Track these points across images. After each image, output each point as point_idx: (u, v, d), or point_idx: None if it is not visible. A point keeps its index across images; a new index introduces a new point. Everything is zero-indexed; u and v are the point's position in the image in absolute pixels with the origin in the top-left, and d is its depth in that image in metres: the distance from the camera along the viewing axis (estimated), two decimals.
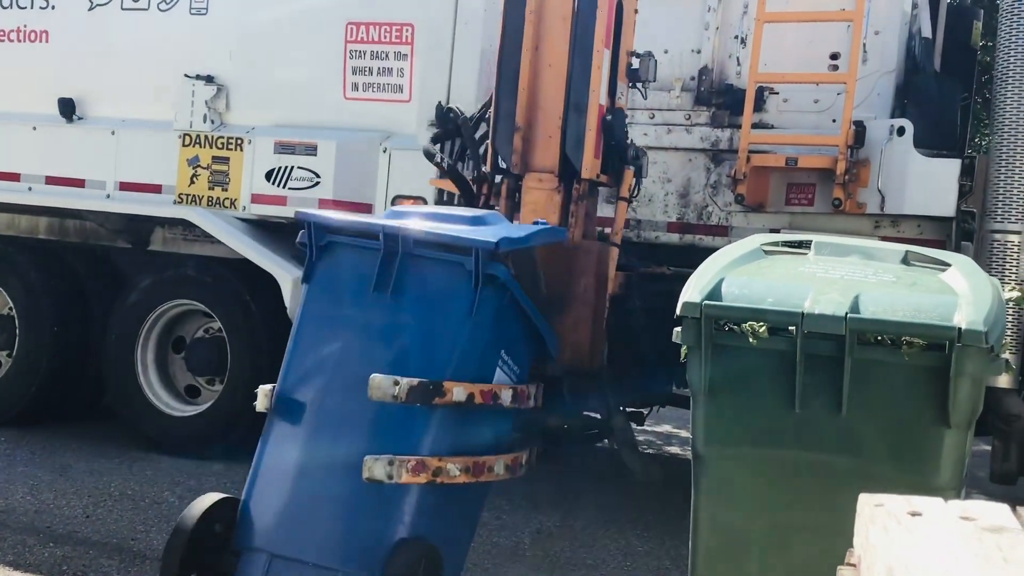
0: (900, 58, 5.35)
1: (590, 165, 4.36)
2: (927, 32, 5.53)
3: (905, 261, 3.89)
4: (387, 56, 5.82)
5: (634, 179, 4.58)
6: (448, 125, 4.97)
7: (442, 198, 5.20)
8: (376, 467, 3.22)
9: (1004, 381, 4.74)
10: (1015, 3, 5.03)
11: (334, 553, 3.35)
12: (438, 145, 4.98)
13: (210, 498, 3.51)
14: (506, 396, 3.56)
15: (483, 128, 4.84)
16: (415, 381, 3.26)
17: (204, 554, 3.40)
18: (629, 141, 4.59)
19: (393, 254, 3.47)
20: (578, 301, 4.20)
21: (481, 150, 4.75)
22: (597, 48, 4.32)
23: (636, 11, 4.68)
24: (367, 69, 5.86)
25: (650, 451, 7.33)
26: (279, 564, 3.37)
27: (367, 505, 3.36)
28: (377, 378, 3.25)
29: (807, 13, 5.32)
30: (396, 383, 3.24)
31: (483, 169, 4.58)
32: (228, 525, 3.46)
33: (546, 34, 4.35)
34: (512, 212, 4.40)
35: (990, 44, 5.54)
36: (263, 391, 3.56)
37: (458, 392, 3.36)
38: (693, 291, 3.56)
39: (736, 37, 5.52)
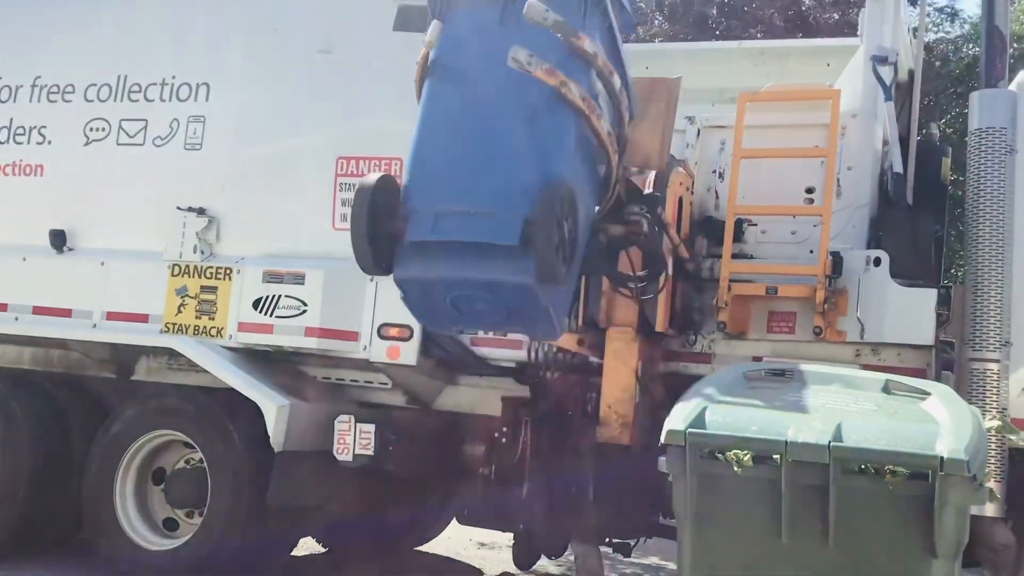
0: (873, 192, 5.53)
1: (662, 321, 5.17)
2: (898, 168, 5.72)
3: (886, 390, 3.94)
4: None
5: None
6: None
7: None
8: (520, 53, 3.77)
9: (990, 510, 4.72)
10: (981, 142, 5.23)
11: (492, 199, 3.82)
12: None
13: (375, 175, 4.15)
14: (616, 81, 4.20)
15: None
16: (560, 17, 3.83)
17: (379, 221, 3.94)
18: None
19: None
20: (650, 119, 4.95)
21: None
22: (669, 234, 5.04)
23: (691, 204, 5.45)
24: None
25: None
26: (444, 218, 3.86)
27: (521, 154, 3.86)
28: (533, 3, 3.76)
29: (782, 150, 5.52)
30: (547, 11, 3.79)
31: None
32: (395, 194, 4.00)
33: None
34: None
35: (960, 179, 5.73)
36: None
37: (588, 44, 3.96)
38: (677, 419, 3.58)
39: (714, 171, 5.71)
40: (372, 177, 4.13)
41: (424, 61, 4.16)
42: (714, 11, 13.17)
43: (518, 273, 3.80)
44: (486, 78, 3.98)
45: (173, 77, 6.45)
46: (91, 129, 6.59)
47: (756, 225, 5.55)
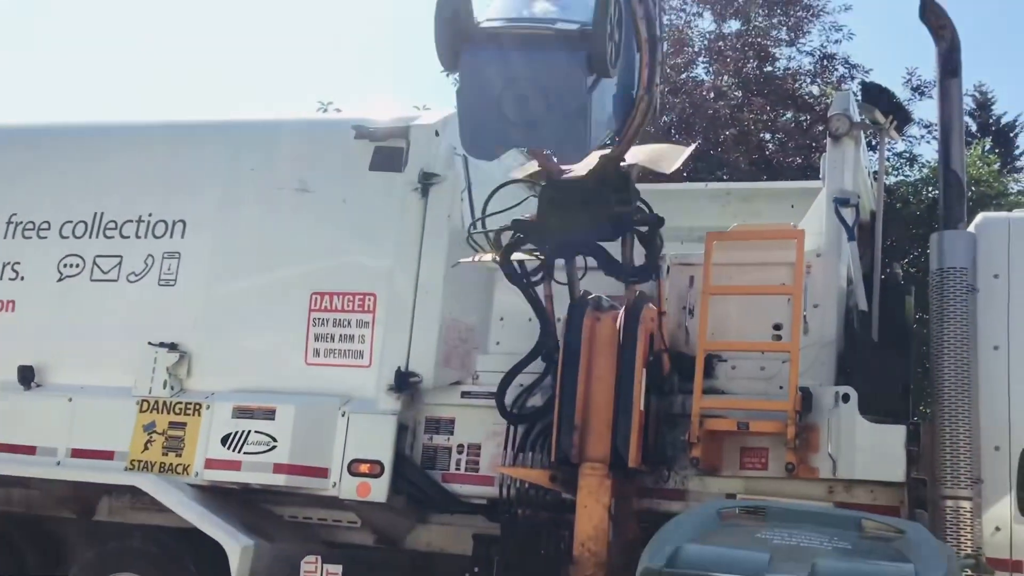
0: (840, 329, 5.61)
1: (634, 457, 5.14)
2: (863, 306, 5.84)
3: (860, 528, 3.92)
4: (349, 323, 6.00)
5: None
6: None
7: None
8: None
9: None
10: (942, 282, 5.37)
11: (553, 13, 4.34)
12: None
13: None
14: None
15: (537, 425, 5.56)
16: None
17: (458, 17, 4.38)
18: None
19: None
20: None
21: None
22: (638, 367, 5.23)
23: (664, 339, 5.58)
24: (329, 336, 6.02)
25: None
26: (514, 22, 4.40)
27: None
28: None
29: (749, 287, 5.63)
30: None
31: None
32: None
33: (597, 355, 5.29)
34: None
35: (924, 317, 5.85)
36: None
37: None
38: (652, 558, 3.53)
39: (684, 308, 5.78)
40: None
41: None
42: None
43: (573, 58, 4.33)
44: None
45: (150, 214, 6.53)
46: (65, 265, 6.62)
47: (726, 361, 5.60)
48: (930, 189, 13.85)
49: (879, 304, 5.99)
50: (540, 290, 5.56)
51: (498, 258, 5.55)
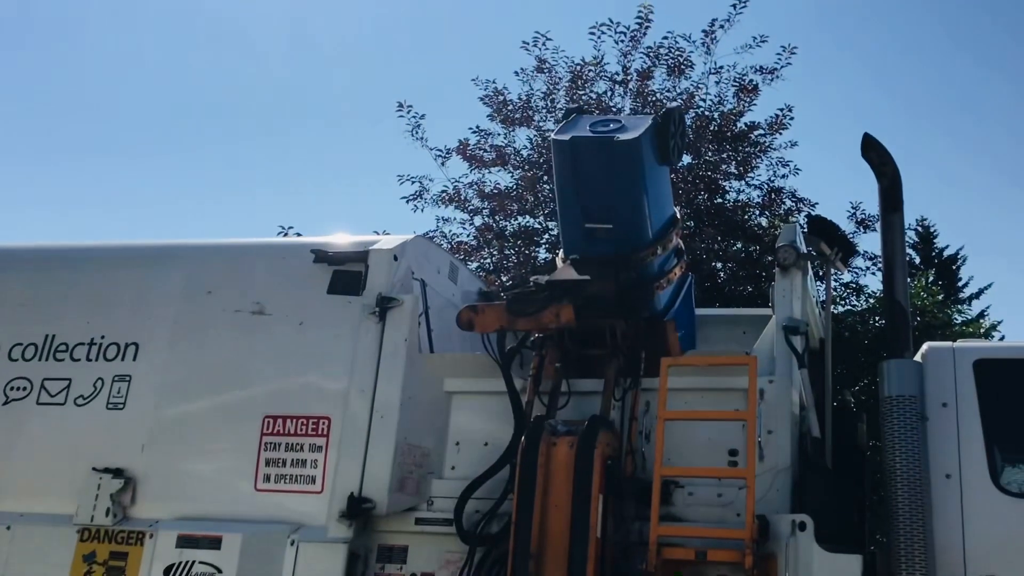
0: (794, 455, 5.63)
1: None
2: (816, 432, 5.89)
3: None
4: (302, 448, 5.90)
5: None
6: None
7: None
8: None
9: None
10: (892, 410, 5.44)
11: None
12: None
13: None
14: None
15: (492, 553, 5.49)
16: None
17: None
18: None
19: None
20: None
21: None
22: (594, 494, 5.22)
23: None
24: (281, 461, 5.90)
25: None
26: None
27: None
28: None
29: (704, 412, 5.66)
30: None
31: None
32: None
33: (552, 482, 5.26)
34: None
35: (877, 444, 5.90)
36: None
37: None
38: None
39: (640, 432, 5.78)
40: None
41: None
42: None
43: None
44: None
45: (102, 337, 6.45)
46: (12, 388, 6.48)
47: (683, 487, 5.57)
48: (876, 318, 14.12)
49: (832, 430, 6.04)
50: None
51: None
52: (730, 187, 15.91)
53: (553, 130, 6.02)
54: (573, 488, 5.24)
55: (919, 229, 26.43)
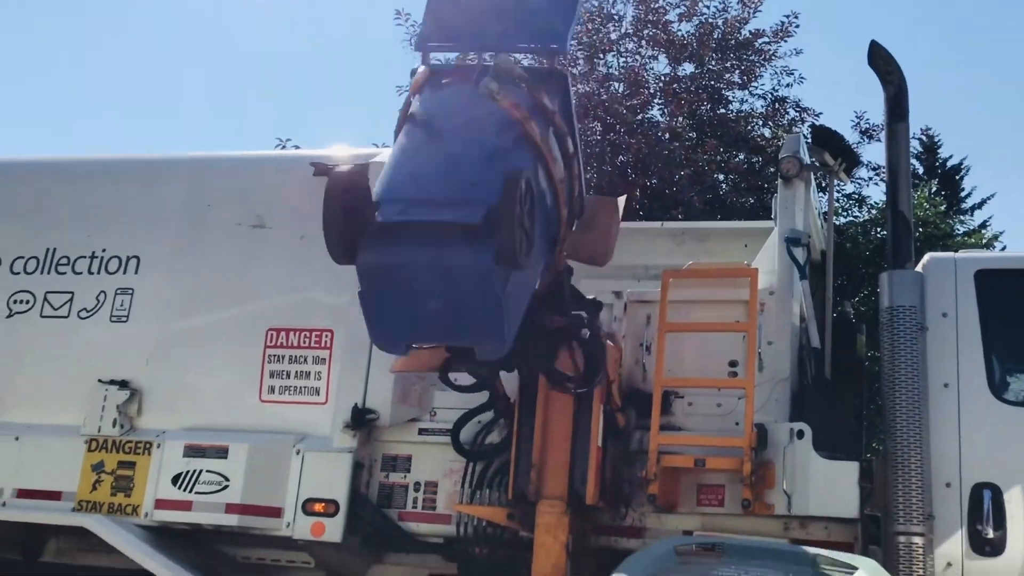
0: (794, 366, 5.68)
1: (592, 494, 5.15)
2: (816, 343, 5.92)
3: (815, 564, 3.95)
4: (306, 360, 5.95)
5: None
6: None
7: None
8: (491, 84, 4.11)
9: None
10: (892, 320, 5.46)
11: (458, 190, 4.07)
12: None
13: (348, 166, 4.26)
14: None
15: (495, 463, 5.55)
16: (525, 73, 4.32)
17: (349, 212, 4.13)
18: None
19: None
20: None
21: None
22: (595, 405, 5.22)
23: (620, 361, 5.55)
24: (285, 373, 5.96)
25: None
26: (412, 205, 4.09)
27: (480, 155, 4.18)
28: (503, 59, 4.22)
29: (705, 324, 5.69)
30: (515, 62, 4.23)
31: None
32: (366, 190, 4.17)
33: (554, 393, 5.26)
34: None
35: (875, 354, 5.94)
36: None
37: (548, 102, 4.44)
38: None
39: (641, 344, 5.83)
40: (345, 167, 4.33)
41: (406, 108, 4.55)
42: (638, 193, 13.76)
43: (480, 255, 3.96)
44: (457, 127, 4.40)
45: (103, 250, 6.44)
46: (15, 301, 6.50)
47: (683, 397, 5.64)
48: (878, 230, 14.12)
49: (831, 342, 6.08)
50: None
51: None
52: (733, 97, 15.75)
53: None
54: (575, 399, 5.28)
55: (923, 139, 26.22)
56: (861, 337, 6.48)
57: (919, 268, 5.74)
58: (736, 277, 5.73)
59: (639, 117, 14.98)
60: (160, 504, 5.81)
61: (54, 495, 6.02)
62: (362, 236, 4.12)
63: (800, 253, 5.81)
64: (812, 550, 4.14)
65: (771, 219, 6.60)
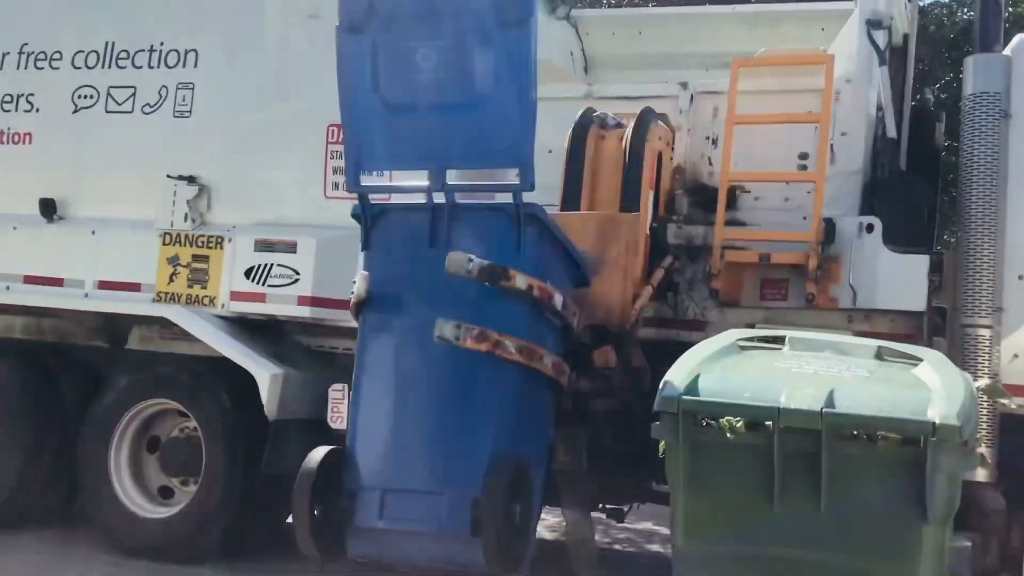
0: (867, 158, 5.50)
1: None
2: (892, 133, 5.70)
3: (878, 356, 3.95)
4: None
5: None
6: None
7: None
8: (446, 328, 3.81)
9: (981, 475, 4.75)
10: (975, 107, 5.21)
11: (439, 479, 3.93)
12: None
13: (323, 450, 4.09)
14: (557, 300, 4.19)
15: None
16: (485, 262, 3.86)
17: (323, 496, 3.98)
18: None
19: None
20: (610, 265, 4.84)
21: None
22: (644, 189, 5.07)
23: (672, 160, 5.39)
24: None
25: (631, 549, 7.24)
26: (391, 497, 3.96)
27: (456, 430, 3.96)
28: (454, 257, 3.83)
29: (776, 115, 5.48)
30: (470, 260, 3.82)
31: None
32: (339, 470, 4.04)
33: (600, 176, 5.12)
34: None
35: (954, 144, 5.71)
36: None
37: (520, 280, 3.98)
38: (670, 386, 3.59)
39: (707, 138, 5.66)
40: (315, 458, 4.11)
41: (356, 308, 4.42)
42: None
43: (471, 555, 3.87)
44: (421, 349, 4.08)
45: (161, 44, 6.38)
46: (80, 96, 6.52)
47: (749, 192, 5.52)
48: (965, 10, 13.32)
49: (909, 132, 5.85)
50: None
51: None
52: None
53: None
54: (623, 183, 5.12)
55: None
56: (939, 126, 6.23)
57: (1007, 51, 5.41)
58: (811, 64, 5.46)
59: None
60: (235, 296, 6.02)
61: (133, 286, 6.26)
62: (343, 533, 4.08)
63: (881, 37, 5.48)
64: (875, 342, 4.13)
65: (851, 0, 6.22)
